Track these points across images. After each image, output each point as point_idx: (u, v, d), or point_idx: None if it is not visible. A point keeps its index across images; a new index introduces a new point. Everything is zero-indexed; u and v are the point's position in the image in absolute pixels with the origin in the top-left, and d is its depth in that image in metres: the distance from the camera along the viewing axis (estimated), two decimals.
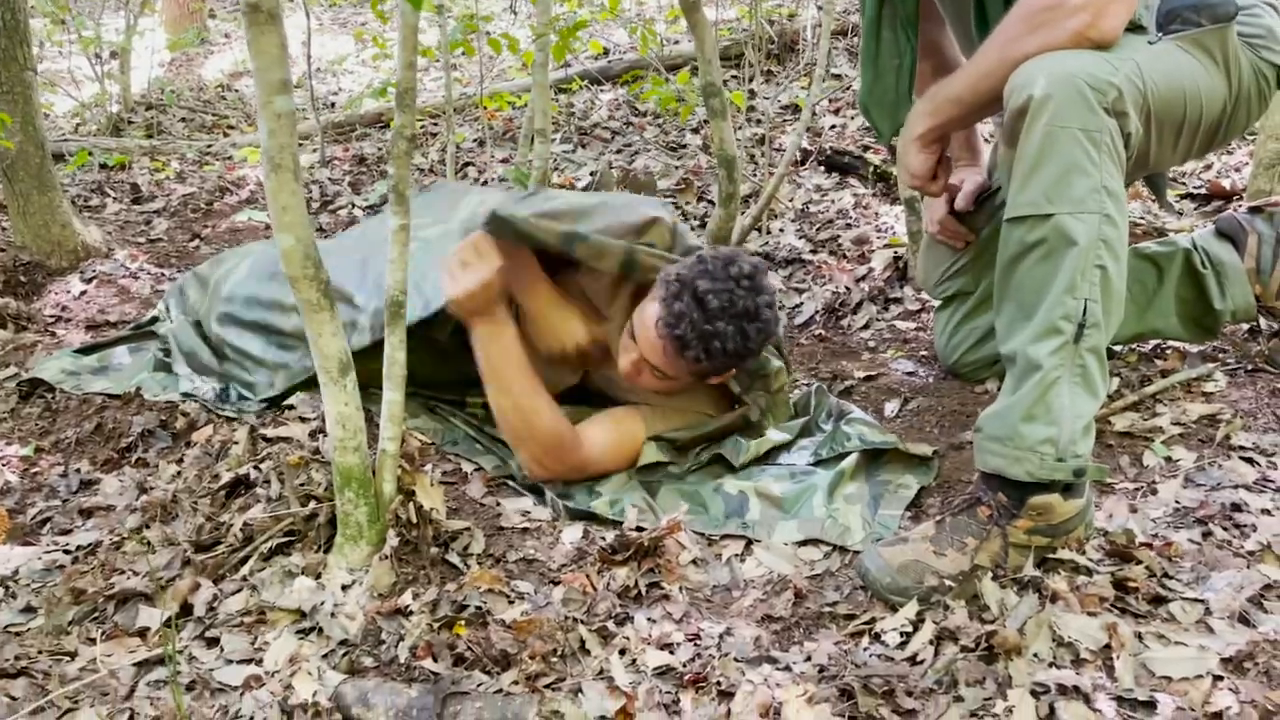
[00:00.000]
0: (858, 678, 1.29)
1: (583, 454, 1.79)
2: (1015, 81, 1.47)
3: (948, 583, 1.45)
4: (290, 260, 1.37)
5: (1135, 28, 1.55)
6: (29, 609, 1.51)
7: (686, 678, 1.33)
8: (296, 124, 1.33)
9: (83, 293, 2.76)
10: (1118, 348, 2.08)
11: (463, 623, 1.42)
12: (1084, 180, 1.41)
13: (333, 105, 5.25)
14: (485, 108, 4.10)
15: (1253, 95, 1.65)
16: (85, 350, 2.32)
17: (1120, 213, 1.44)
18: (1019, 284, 1.48)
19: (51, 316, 2.63)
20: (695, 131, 4.04)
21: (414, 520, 1.54)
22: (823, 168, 3.47)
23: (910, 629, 1.39)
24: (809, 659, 1.36)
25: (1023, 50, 1.50)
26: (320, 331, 1.42)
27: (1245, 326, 2.10)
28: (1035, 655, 1.31)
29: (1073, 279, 1.42)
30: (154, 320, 2.42)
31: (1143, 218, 2.60)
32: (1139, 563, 1.45)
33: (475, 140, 4.22)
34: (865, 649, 1.38)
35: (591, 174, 3.56)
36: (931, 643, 1.36)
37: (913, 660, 1.34)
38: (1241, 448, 1.71)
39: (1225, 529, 1.52)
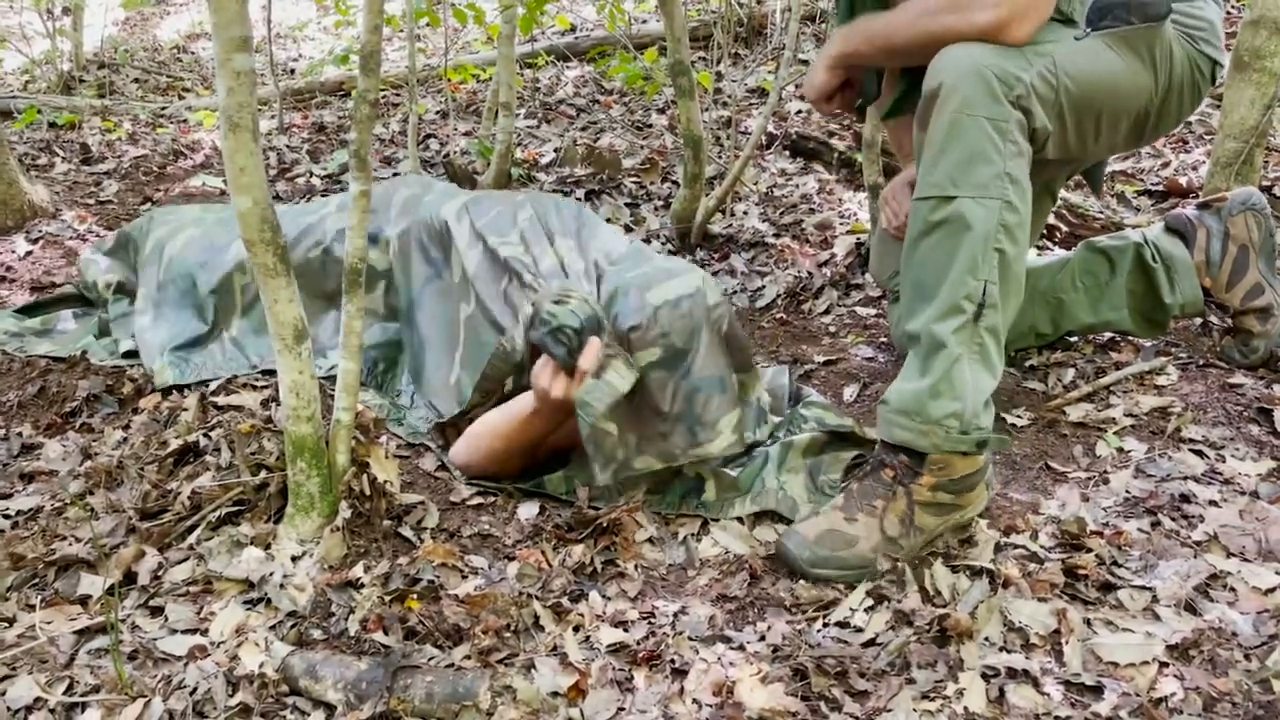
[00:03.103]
0: (811, 658, 1.29)
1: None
2: (933, 67, 1.51)
3: (866, 548, 1.47)
4: (247, 223, 1.34)
5: (1065, 20, 1.57)
6: None
7: (640, 655, 1.32)
8: (256, 83, 1.30)
9: (28, 253, 2.68)
10: (1073, 339, 2.10)
11: (415, 596, 1.40)
12: (987, 167, 1.46)
13: (292, 72, 5.15)
14: (449, 79, 4.04)
15: (1185, 88, 1.67)
16: (28, 311, 2.25)
17: (1022, 200, 1.48)
18: (921, 262, 1.52)
19: None
20: (661, 111, 4.01)
21: (367, 492, 1.52)
22: (788, 152, 3.46)
23: (865, 611, 1.40)
24: (763, 639, 1.36)
25: (930, 26, 1.53)
26: (276, 297, 1.39)
27: (1198, 322, 2.13)
28: (986, 639, 1.33)
29: (974, 260, 1.46)
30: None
31: (1101, 213, 2.63)
32: (1089, 550, 1.47)
33: (438, 112, 4.15)
34: (819, 630, 1.38)
35: (556, 150, 3.53)
36: (885, 625, 1.37)
37: (866, 642, 1.35)
38: (1191, 440, 1.74)
39: (1174, 519, 1.55)
